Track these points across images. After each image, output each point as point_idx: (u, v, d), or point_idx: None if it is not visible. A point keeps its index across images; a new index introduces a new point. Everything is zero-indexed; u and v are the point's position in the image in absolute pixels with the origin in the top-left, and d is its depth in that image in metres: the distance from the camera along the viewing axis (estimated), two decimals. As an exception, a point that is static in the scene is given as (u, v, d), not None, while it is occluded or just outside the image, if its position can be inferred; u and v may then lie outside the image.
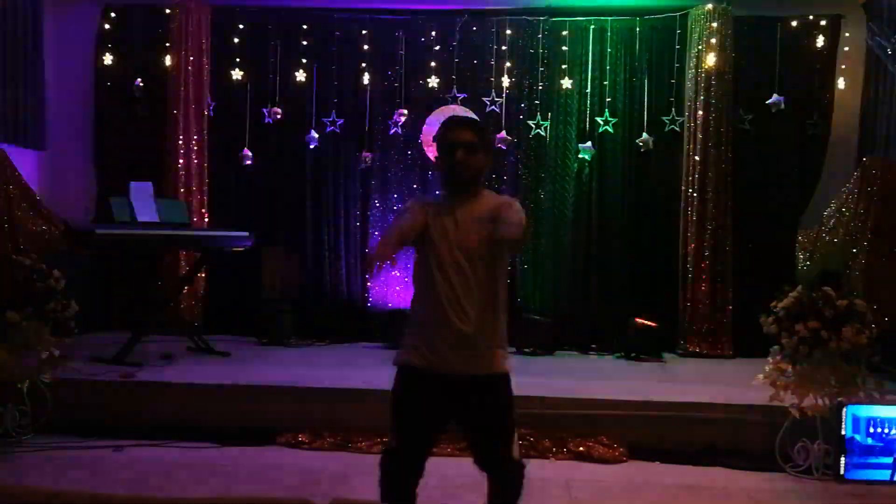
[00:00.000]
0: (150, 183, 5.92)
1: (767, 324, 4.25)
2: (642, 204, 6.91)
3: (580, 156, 6.88)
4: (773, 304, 4.27)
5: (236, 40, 7.09)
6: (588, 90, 6.88)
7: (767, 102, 6.61)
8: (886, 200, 5.57)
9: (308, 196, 7.09)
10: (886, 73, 6.17)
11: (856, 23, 6.62)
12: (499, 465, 2.67)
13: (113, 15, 7.15)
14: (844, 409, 4.09)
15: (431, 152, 6.70)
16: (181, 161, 6.88)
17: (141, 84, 7.01)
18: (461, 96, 6.96)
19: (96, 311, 6.50)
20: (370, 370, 5.31)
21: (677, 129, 6.79)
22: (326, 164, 7.12)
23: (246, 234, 6.24)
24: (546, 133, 6.93)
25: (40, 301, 4.36)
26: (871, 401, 4.09)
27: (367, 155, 6.99)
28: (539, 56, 6.95)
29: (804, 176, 6.73)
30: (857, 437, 4.10)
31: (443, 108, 6.93)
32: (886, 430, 4.11)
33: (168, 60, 6.95)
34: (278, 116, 7.02)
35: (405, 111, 6.95)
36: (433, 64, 6.97)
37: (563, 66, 6.87)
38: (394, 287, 7.01)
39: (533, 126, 6.93)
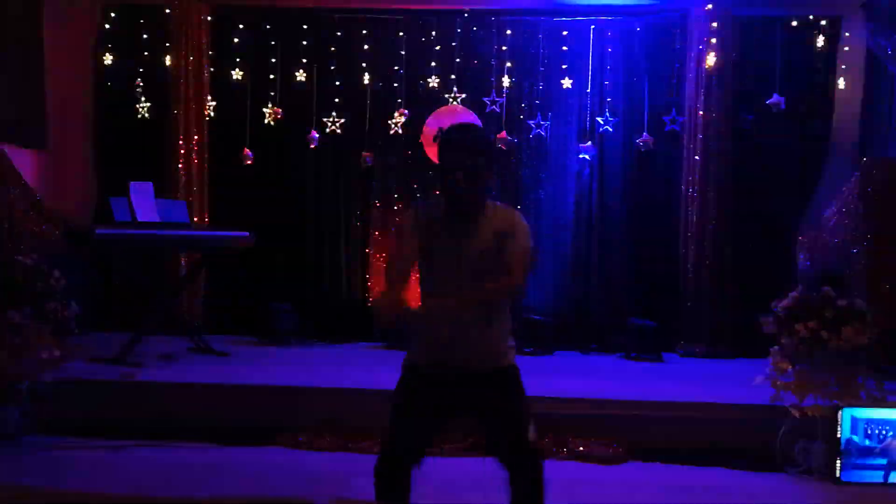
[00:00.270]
0: (150, 183, 5.90)
1: (767, 324, 4.25)
2: (642, 204, 6.91)
3: (580, 156, 6.88)
4: (774, 304, 4.27)
5: (236, 40, 7.08)
6: (588, 90, 6.89)
7: (767, 102, 6.60)
8: (886, 200, 5.56)
9: (308, 196, 7.09)
10: (886, 72, 6.17)
11: (856, 23, 6.62)
12: (513, 451, 2.61)
13: (113, 15, 7.14)
14: (840, 412, 4.08)
15: (431, 152, 6.69)
16: (181, 161, 6.87)
17: (141, 84, 7.00)
18: (461, 96, 6.96)
19: (96, 311, 6.50)
20: (370, 370, 5.31)
21: (677, 129, 6.78)
22: (327, 164, 7.12)
23: (246, 234, 6.23)
24: (546, 133, 6.93)
25: (40, 301, 4.36)
26: (872, 402, 4.08)
27: (367, 155, 7.00)
28: (539, 56, 6.94)
29: (804, 176, 6.73)
30: (855, 439, 4.09)
31: (443, 108, 6.93)
32: (883, 432, 4.10)
33: (168, 60, 6.94)
34: (279, 116, 7.03)
35: (405, 111, 6.95)
36: (433, 64, 6.97)
37: (564, 66, 6.87)
38: (394, 287, 7.00)
39: (533, 126, 6.93)
